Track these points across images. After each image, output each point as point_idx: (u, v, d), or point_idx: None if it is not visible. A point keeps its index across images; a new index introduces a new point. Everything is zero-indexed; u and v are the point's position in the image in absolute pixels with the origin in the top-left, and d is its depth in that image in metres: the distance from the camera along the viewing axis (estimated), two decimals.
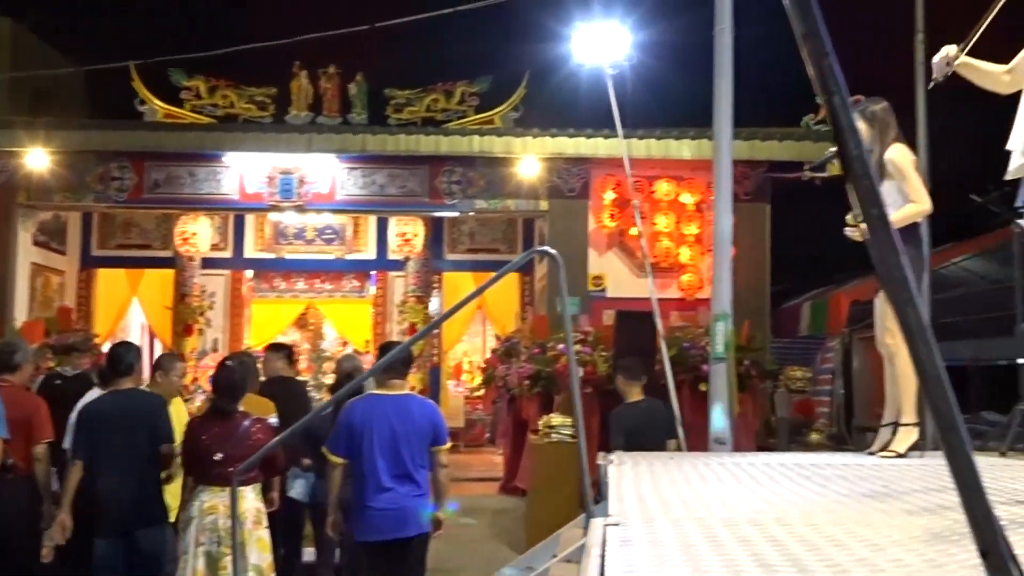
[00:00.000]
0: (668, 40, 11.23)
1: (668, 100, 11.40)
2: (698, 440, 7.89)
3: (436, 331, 14.65)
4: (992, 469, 3.97)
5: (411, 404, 4.99)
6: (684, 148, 10.71)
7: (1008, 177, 2.95)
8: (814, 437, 10.06)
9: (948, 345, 13.56)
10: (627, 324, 9.65)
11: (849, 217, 4.96)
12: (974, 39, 2.96)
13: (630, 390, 6.99)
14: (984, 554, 1.01)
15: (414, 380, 13.68)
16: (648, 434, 6.62)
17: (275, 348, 7.37)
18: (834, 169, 10.81)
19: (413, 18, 9.83)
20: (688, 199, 10.98)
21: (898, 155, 4.72)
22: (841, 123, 1.08)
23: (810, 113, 10.60)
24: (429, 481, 5.03)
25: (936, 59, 3.06)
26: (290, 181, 11.28)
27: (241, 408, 5.14)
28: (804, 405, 10.67)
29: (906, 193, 4.69)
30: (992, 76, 3.09)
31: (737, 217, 10.96)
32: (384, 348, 6.16)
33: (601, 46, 6.41)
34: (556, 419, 8.73)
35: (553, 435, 8.53)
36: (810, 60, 1.09)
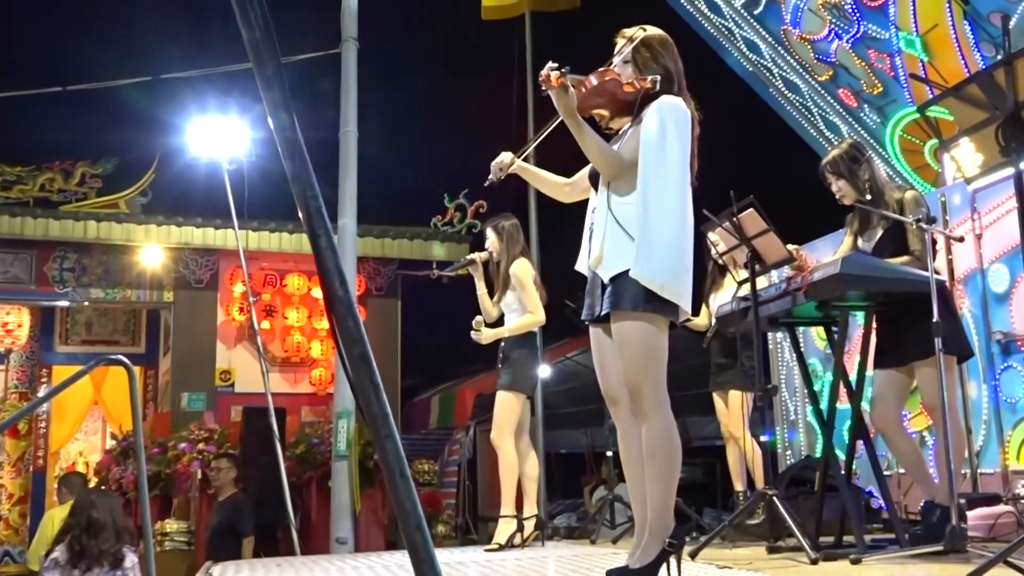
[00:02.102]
0: (302, 139, 11.32)
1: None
2: (327, 540, 7.78)
3: (43, 429, 13.28)
4: (575, 559, 4.27)
5: None
6: None
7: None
8: (440, 529, 10.27)
9: (568, 433, 14.65)
10: (255, 420, 9.35)
11: (474, 322, 5.28)
12: (531, 148, 3.34)
13: (229, 485, 7.67)
14: None
15: (12, 486, 12.25)
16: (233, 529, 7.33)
17: None
18: (461, 270, 11.48)
19: (21, 93, 9.06)
20: (320, 294, 10.97)
21: (519, 269, 5.19)
22: (327, 265, 1.11)
23: (438, 215, 11.14)
24: None
25: (493, 163, 3.39)
26: None
27: None
28: (431, 498, 10.86)
29: (524, 304, 5.13)
30: (550, 184, 3.44)
31: (368, 312, 11.20)
32: None
33: (220, 139, 6.31)
34: (171, 525, 8.17)
35: (167, 543, 7.96)
36: (299, 201, 1.12)
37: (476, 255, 5.41)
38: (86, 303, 10.97)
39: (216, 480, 8.03)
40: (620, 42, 3.18)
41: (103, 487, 7.39)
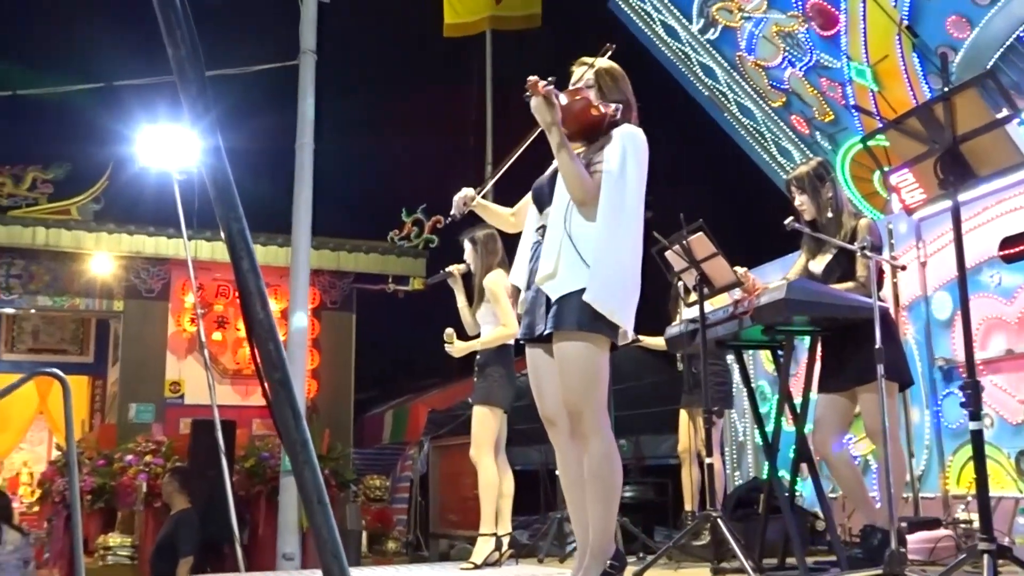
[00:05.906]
0: (257, 148, 11.24)
1: (262, 206, 11.31)
2: (276, 555, 7.68)
3: None
4: None
5: None
6: (271, 255, 10.66)
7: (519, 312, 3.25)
8: (391, 546, 10.18)
9: (521, 450, 14.66)
10: (204, 433, 9.23)
11: (445, 334, 5.21)
12: (490, 184, 3.30)
13: (179, 499, 7.52)
14: None
15: None
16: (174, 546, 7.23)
17: None
18: (416, 284, 11.43)
19: None
20: (274, 306, 10.90)
21: (493, 281, 5.05)
22: (249, 287, 1.10)
23: (395, 229, 11.11)
24: None
25: (456, 198, 3.36)
26: None
27: None
28: (382, 514, 10.78)
29: (497, 316, 5.04)
30: (502, 217, 3.44)
31: (323, 325, 11.14)
32: None
33: (172, 149, 6.23)
34: (115, 539, 8.01)
35: (109, 557, 7.81)
36: (221, 223, 1.11)
37: (454, 267, 5.33)
38: (32, 311, 10.79)
39: (164, 494, 7.90)
40: (580, 69, 3.20)
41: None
